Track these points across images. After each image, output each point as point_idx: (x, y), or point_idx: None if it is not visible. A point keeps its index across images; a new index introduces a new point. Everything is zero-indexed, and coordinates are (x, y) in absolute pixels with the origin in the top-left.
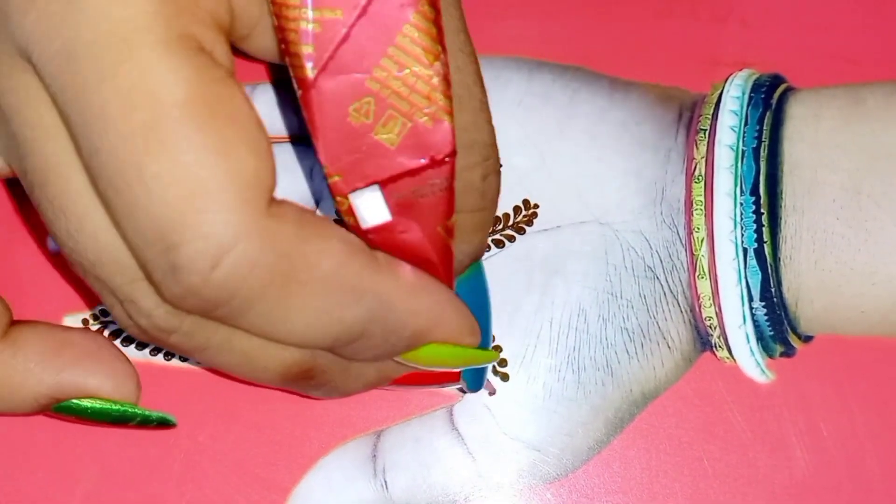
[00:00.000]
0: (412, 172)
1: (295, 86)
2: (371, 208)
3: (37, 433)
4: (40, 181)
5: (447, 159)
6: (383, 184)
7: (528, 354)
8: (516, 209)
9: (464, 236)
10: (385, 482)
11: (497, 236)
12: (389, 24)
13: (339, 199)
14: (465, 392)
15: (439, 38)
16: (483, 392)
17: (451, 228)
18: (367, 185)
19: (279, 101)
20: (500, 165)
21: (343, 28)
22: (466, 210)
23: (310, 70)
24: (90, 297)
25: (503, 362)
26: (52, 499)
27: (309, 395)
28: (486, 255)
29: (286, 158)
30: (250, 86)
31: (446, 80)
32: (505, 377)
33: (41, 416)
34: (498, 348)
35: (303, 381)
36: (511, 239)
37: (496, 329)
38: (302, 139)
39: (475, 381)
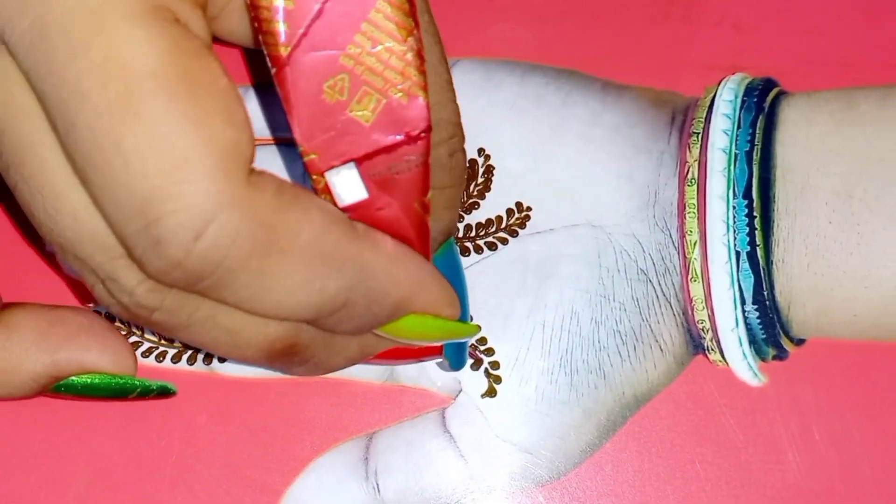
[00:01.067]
0: (388, 149)
1: (269, 64)
2: (348, 186)
3: (30, 434)
4: (16, 161)
5: (423, 135)
6: (359, 161)
7: (521, 357)
8: (509, 212)
9: (435, 213)
10: (377, 485)
11: (490, 239)
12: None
13: (315, 177)
14: (445, 370)
15: (412, 14)
16: (476, 394)
17: (427, 204)
18: (344, 163)
19: (262, 103)
20: (465, 142)
21: (316, 4)
22: (436, 187)
23: (283, 47)
24: (85, 294)
25: (495, 365)
26: (44, 500)
27: (291, 373)
28: (480, 258)
29: (270, 160)
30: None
31: (420, 56)
32: (497, 380)
33: (35, 416)
34: (490, 351)
35: (286, 358)
36: (504, 242)
37: (489, 332)
38: (287, 141)
39: (457, 359)
